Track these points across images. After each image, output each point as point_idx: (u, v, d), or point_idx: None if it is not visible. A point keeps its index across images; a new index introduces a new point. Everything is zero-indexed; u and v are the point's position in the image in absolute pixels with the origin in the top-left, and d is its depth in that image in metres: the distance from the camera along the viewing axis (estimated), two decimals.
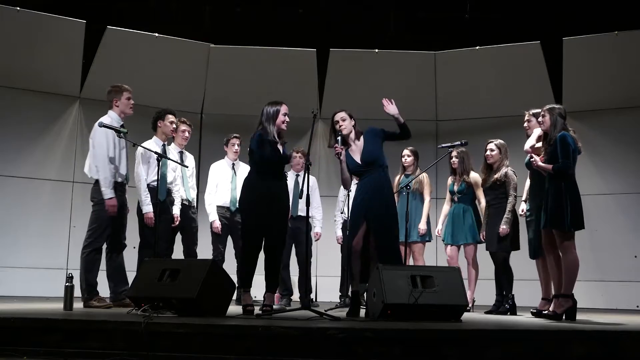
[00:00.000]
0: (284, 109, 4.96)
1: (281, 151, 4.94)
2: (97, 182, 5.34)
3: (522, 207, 5.85)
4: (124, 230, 5.54)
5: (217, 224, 6.35)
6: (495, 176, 5.96)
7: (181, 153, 6.18)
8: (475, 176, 6.27)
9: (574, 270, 4.81)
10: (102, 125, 5.28)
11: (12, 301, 6.13)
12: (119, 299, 5.37)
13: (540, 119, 5.11)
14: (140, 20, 8.38)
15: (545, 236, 5.00)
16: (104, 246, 5.44)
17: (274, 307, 5.02)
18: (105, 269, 5.47)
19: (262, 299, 4.98)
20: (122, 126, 5.44)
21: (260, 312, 4.70)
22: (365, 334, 3.49)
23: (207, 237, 6.58)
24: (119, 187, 5.41)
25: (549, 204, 4.86)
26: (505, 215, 5.87)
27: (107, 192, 5.25)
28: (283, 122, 4.94)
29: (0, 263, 7.42)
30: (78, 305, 4.96)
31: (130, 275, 4.94)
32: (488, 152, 6.05)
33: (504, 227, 5.84)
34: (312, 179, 6.89)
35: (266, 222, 4.84)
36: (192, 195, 6.22)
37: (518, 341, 3.56)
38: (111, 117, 5.48)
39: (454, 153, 6.30)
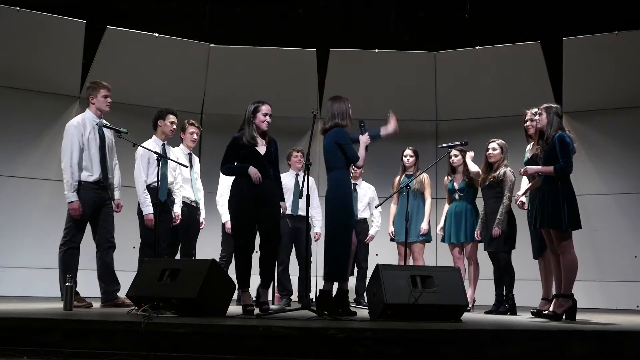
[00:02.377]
0: (264, 108, 4.95)
1: (261, 152, 4.92)
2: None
3: (522, 199, 5.78)
4: (110, 228, 5.46)
5: None
6: (494, 175, 5.96)
7: (190, 155, 6.18)
8: (475, 174, 6.27)
9: (573, 270, 4.81)
10: (102, 125, 5.28)
11: (12, 301, 6.13)
12: (110, 299, 5.36)
13: (536, 117, 5.11)
14: (140, 20, 8.37)
15: (547, 236, 5.00)
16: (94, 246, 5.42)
17: (274, 307, 5.02)
18: (96, 270, 5.45)
19: (257, 296, 5.02)
20: (98, 124, 5.41)
21: (258, 310, 4.73)
22: (365, 334, 3.49)
23: (210, 237, 6.56)
24: (92, 186, 5.33)
25: (545, 204, 4.86)
26: (497, 217, 5.85)
27: (68, 195, 5.23)
28: (263, 122, 4.93)
29: (0, 263, 7.42)
30: None
31: (131, 275, 4.94)
32: (490, 151, 6.06)
33: (496, 229, 5.84)
34: (311, 179, 6.89)
35: (256, 221, 4.86)
36: (199, 196, 6.21)
37: (518, 341, 3.56)
38: (84, 117, 5.43)
39: (454, 152, 6.30)
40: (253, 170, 4.82)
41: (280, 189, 5.19)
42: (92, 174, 5.34)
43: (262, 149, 4.94)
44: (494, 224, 5.87)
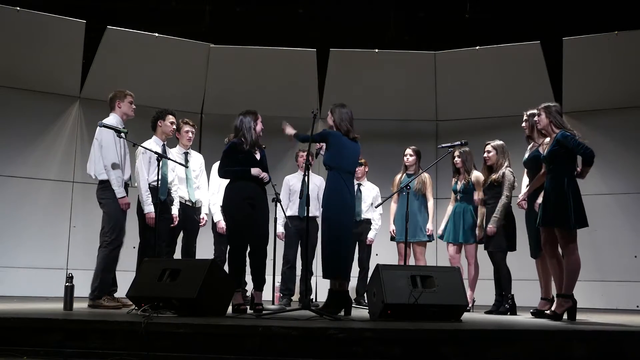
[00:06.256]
0: (259, 117, 5.27)
1: (258, 157, 5.17)
2: (102, 182, 5.39)
3: (524, 200, 5.74)
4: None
5: (222, 224, 6.27)
6: (493, 177, 5.97)
7: (186, 154, 6.18)
8: (477, 175, 6.27)
9: (576, 271, 4.80)
10: (102, 125, 5.29)
11: (12, 301, 6.13)
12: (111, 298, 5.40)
13: (536, 118, 5.11)
14: (140, 20, 8.37)
15: (546, 235, 4.97)
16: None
17: (274, 307, 5.03)
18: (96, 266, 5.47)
19: (251, 297, 5.11)
20: (99, 124, 5.47)
21: (252, 311, 4.77)
22: (365, 334, 3.49)
23: (210, 237, 6.56)
24: (125, 187, 5.47)
25: (552, 202, 4.83)
26: (493, 215, 5.86)
27: (120, 191, 5.35)
28: (261, 130, 5.25)
29: (0, 263, 7.42)
30: (78, 305, 4.95)
31: (130, 275, 4.94)
32: (485, 154, 6.08)
33: (490, 227, 5.85)
34: (319, 178, 6.90)
35: (249, 224, 5.04)
36: (197, 196, 6.19)
37: (518, 341, 3.56)
38: (113, 119, 5.53)
39: (457, 152, 6.31)
40: (256, 170, 5.06)
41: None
42: (123, 174, 5.44)
43: (257, 154, 5.21)
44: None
